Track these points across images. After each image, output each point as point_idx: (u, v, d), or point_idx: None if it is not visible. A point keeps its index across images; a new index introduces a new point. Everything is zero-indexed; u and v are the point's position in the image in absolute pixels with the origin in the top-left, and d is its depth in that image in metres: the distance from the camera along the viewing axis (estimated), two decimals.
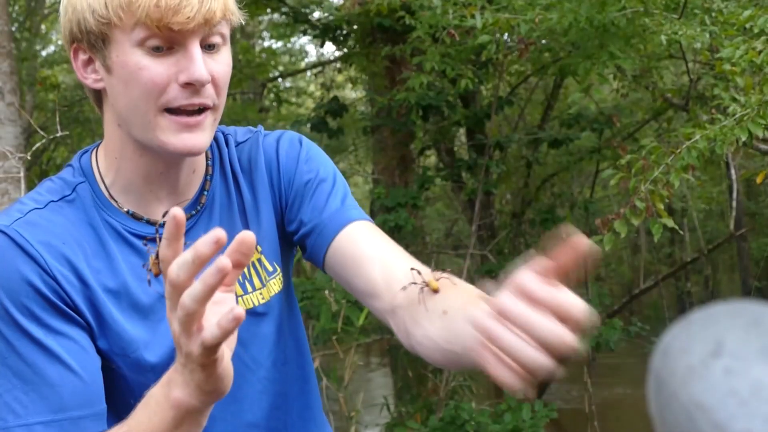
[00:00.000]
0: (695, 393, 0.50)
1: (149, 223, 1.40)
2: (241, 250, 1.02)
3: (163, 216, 1.33)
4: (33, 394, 1.22)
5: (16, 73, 5.66)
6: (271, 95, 12.71)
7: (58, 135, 3.93)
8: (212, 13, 1.25)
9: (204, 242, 0.97)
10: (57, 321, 1.26)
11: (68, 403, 1.23)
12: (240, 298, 1.46)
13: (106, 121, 1.39)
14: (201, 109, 1.31)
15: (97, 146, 1.45)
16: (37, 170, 11.62)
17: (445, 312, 1.19)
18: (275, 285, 1.49)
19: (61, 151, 12.39)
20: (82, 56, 1.33)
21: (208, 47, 1.30)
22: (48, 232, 1.30)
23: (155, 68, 1.25)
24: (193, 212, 1.44)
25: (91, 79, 1.33)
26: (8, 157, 4.55)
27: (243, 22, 1.38)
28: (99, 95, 1.38)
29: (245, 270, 1.46)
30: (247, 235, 1.00)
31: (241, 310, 0.97)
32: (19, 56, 9.57)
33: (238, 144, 1.54)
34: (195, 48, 1.26)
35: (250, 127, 1.58)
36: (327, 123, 8.15)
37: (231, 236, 1.45)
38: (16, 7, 11.79)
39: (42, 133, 3.96)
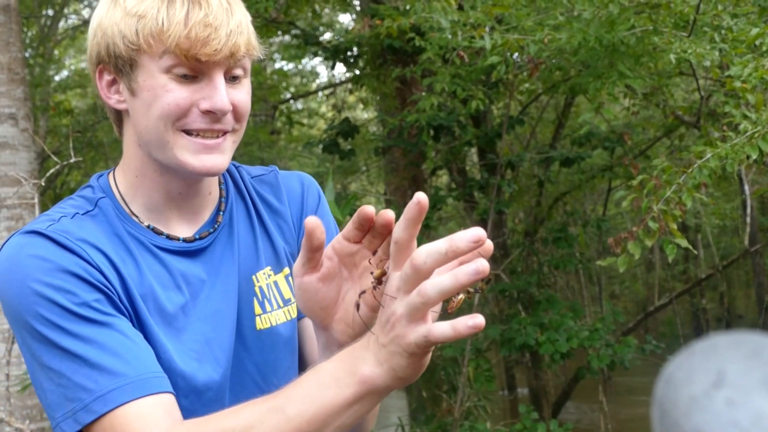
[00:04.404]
0: (698, 423, 0.51)
1: (169, 238, 1.44)
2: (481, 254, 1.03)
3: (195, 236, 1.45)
4: (100, 366, 1.23)
5: (30, 99, 5.71)
6: (283, 117, 12.76)
7: (71, 161, 3.96)
8: (237, 47, 1.31)
9: (463, 238, 0.99)
10: (105, 305, 1.29)
11: (135, 366, 1.25)
12: (258, 318, 1.48)
13: (127, 141, 1.44)
14: (219, 133, 1.36)
15: (114, 169, 1.50)
16: (51, 194, 11.68)
17: None
18: (291, 311, 1.52)
19: (75, 175, 12.46)
20: (107, 77, 1.38)
21: (231, 78, 1.36)
22: (83, 232, 1.34)
23: (179, 92, 1.31)
24: (211, 230, 1.48)
25: (114, 99, 1.39)
26: (22, 183, 4.58)
27: (262, 57, 1.42)
28: (120, 116, 1.43)
29: (265, 290, 1.49)
30: (487, 266, 1.00)
31: (481, 320, 1.00)
32: (32, 82, 9.66)
33: (253, 176, 1.59)
34: (219, 79, 1.33)
35: (263, 166, 1.64)
36: (338, 144, 8.19)
37: (252, 257, 1.48)
38: (30, 33, 11.91)
39: (55, 159, 3.98)
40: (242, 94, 1.37)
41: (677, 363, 0.55)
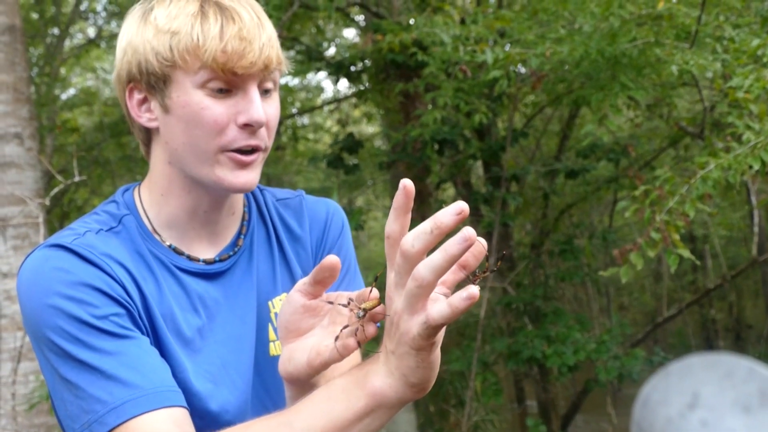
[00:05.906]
0: None
1: (189, 259, 1.44)
2: (473, 251, 1.03)
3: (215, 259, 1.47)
4: (115, 377, 1.23)
5: (36, 118, 5.74)
6: (288, 131, 12.78)
7: (76, 180, 3.98)
8: (270, 59, 1.34)
9: (446, 213, 0.96)
10: (124, 319, 1.29)
11: (151, 379, 1.24)
12: (272, 344, 1.49)
13: (155, 160, 1.44)
14: (253, 149, 1.38)
15: (139, 184, 1.51)
16: (58, 212, 11.72)
17: None
18: None
19: (82, 193, 12.50)
20: (137, 96, 1.39)
21: (264, 92, 1.38)
22: (107, 248, 1.35)
23: (216, 108, 1.33)
24: (231, 253, 1.49)
25: (145, 118, 1.40)
26: (28, 203, 4.61)
27: (288, 72, 1.44)
28: (149, 135, 1.44)
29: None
30: (473, 234, 0.96)
31: (475, 291, 0.96)
32: (38, 101, 9.70)
33: (278, 199, 1.60)
34: (254, 91, 1.35)
35: (290, 190, 1.65)
36: (343, 159, 8.21)
37: (269, 283, 1.50)
38: (36, 52, 11.97)
39: (60, 178, 4.01)
40: (272, 109, 1.40)
41: (654, 384, 0.55)
